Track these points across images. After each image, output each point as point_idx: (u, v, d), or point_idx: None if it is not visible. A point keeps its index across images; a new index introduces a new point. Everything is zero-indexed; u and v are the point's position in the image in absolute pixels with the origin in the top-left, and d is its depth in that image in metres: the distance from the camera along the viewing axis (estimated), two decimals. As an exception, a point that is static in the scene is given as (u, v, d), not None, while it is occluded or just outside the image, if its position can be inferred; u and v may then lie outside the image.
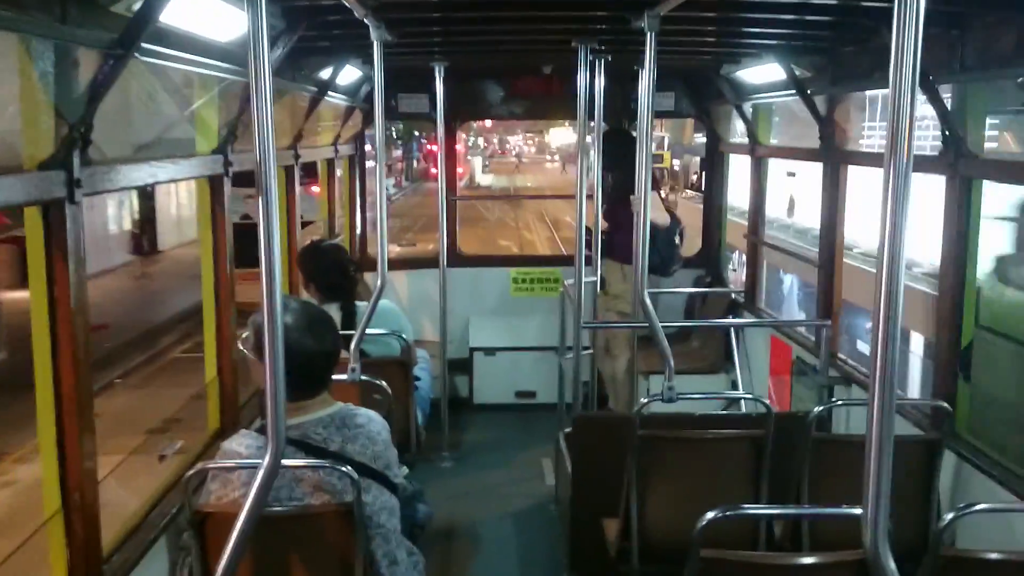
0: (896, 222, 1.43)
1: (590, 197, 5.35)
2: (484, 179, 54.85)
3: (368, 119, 6.95)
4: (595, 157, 5.51)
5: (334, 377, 2.70)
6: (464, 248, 7.96)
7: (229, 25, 3.16)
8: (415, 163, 55.21)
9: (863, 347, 12.06)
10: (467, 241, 9.08)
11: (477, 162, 55.09)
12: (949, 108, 3.71)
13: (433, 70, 5.81)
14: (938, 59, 3.59)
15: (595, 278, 5.52)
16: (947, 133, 3.70)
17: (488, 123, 42.74)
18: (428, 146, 59.68)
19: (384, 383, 3.83)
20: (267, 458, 1.91)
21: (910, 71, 1.38)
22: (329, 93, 5.48)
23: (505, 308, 7.58)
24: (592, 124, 5.22)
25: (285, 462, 2.10)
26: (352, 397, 2.89)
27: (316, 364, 2.61)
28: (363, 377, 3.82)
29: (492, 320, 7.51)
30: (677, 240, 6.18)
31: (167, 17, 2.58)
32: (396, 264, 7.03)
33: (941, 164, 3.75)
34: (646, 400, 3.66)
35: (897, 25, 1.38)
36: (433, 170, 53.94)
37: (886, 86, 1.40)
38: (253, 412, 4.06)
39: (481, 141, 68.45)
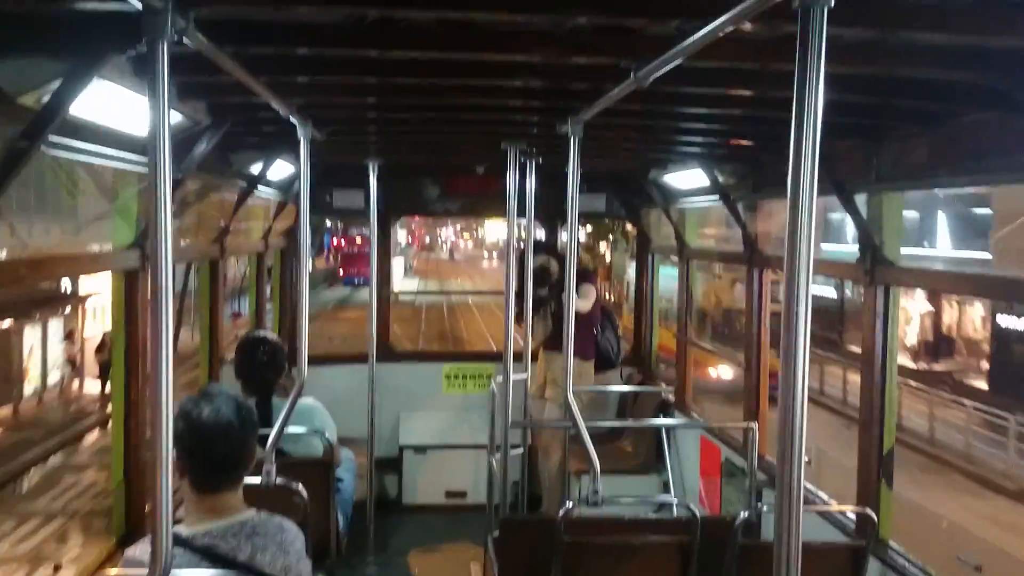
0: (798, 329, 1.41)
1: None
2: (407, 284, 43.08)
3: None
4: (528, 254, 5.52)
5: (246, 480, 2.57)
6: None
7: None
8: (313, 261, 41.23)
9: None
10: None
11: (398, 264, 41.05)
12: (865, 217, 3.82)
13: (367, 166, 5.82)
14: (854, 169, 3.72)
15: (526, 375, 5.46)
16: (863, 241, 3.80)
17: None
18: (336, 240, 49.94)
19: (300, 486, 3.67)
20: (150, 569, 1.79)
21: (808, 180, 1.38)
22: (259, 187, 5.43)
23: (437, 404, 7.44)
24: (523, 223, 5.25)
25: (182, 572, 1.97)
26: (266, 501, 2.74)
27: (216, 438, 2.42)
28: (279, 480, 3.66)
29: (423, 417, 7.35)
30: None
31: (81, 111, 2.53)
32: (323, 359, 6.89)
33: (858, 271, 3.84)
34: (571, 504, 3.58)
35: (795, 135, 1.38)
36: (342, 272, 46.57)
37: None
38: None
39: (404, 234, 57.79)
